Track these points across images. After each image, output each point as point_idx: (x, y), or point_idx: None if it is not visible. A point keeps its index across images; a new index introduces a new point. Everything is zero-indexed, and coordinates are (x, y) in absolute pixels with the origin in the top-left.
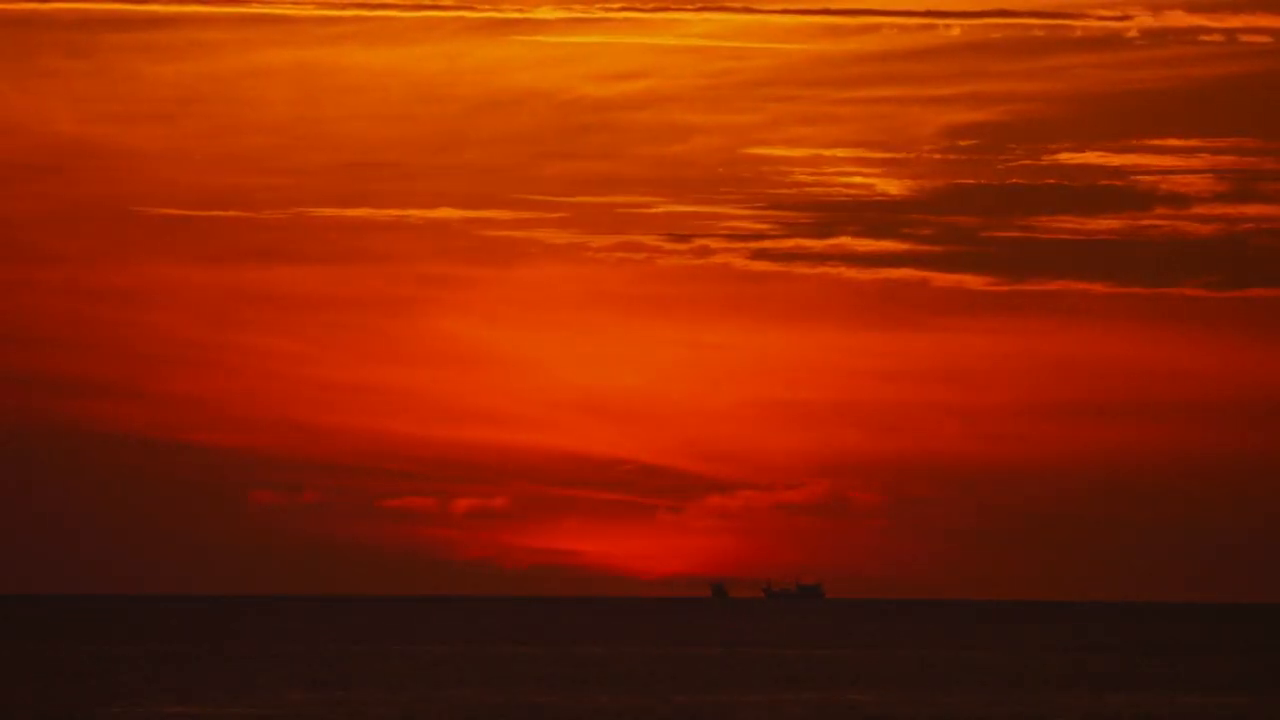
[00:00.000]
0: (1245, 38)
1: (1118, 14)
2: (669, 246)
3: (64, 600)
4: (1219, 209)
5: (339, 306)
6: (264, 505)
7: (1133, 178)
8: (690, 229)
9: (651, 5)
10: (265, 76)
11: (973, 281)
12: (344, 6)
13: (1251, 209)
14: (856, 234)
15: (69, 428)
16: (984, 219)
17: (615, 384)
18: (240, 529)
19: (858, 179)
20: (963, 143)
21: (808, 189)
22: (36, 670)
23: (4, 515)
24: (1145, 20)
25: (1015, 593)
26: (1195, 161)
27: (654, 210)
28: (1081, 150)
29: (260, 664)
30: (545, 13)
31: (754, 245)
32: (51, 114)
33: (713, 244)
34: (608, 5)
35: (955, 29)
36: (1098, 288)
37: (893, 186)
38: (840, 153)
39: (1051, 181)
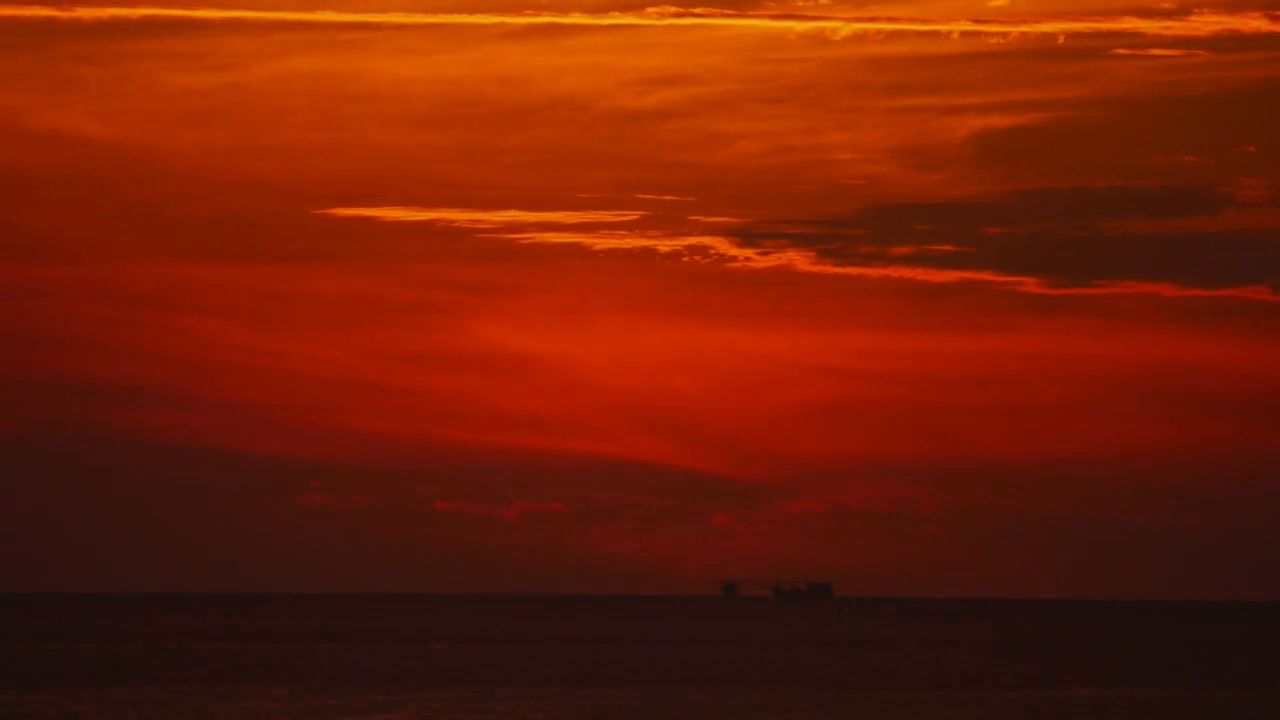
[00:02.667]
0: None
1: (1181, 16)
2: (714, 252)
3: (107, 599)
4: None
5: (381, 311)
6: (313, 507)
7: (1187, 181)
8: (733, 235)
9: (680, 11)
10: (293, 80)
11: (1029, 284)
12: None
13: None
14: (907, 239)
15: (119, 436)
16: (1040, 222)
17: (662, 389)
18: (290, 529)
19: (906, 182)
20: (1014, 146)
21: (854, 193)
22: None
23: (63, 520)
24: (1220, 20)
25: (1088, 592)
26: (1257, 164)
27: (694, 216)
28: (1139, 154)
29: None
30: (577, 18)
31: (801, 251)
32: (81, 122)
33: (757, 250)
34: (640, 13)
35: (1005, 32)
36: (1158, 289)
37: (942, 189)
38: (886, 156)
39: (1109, 184)
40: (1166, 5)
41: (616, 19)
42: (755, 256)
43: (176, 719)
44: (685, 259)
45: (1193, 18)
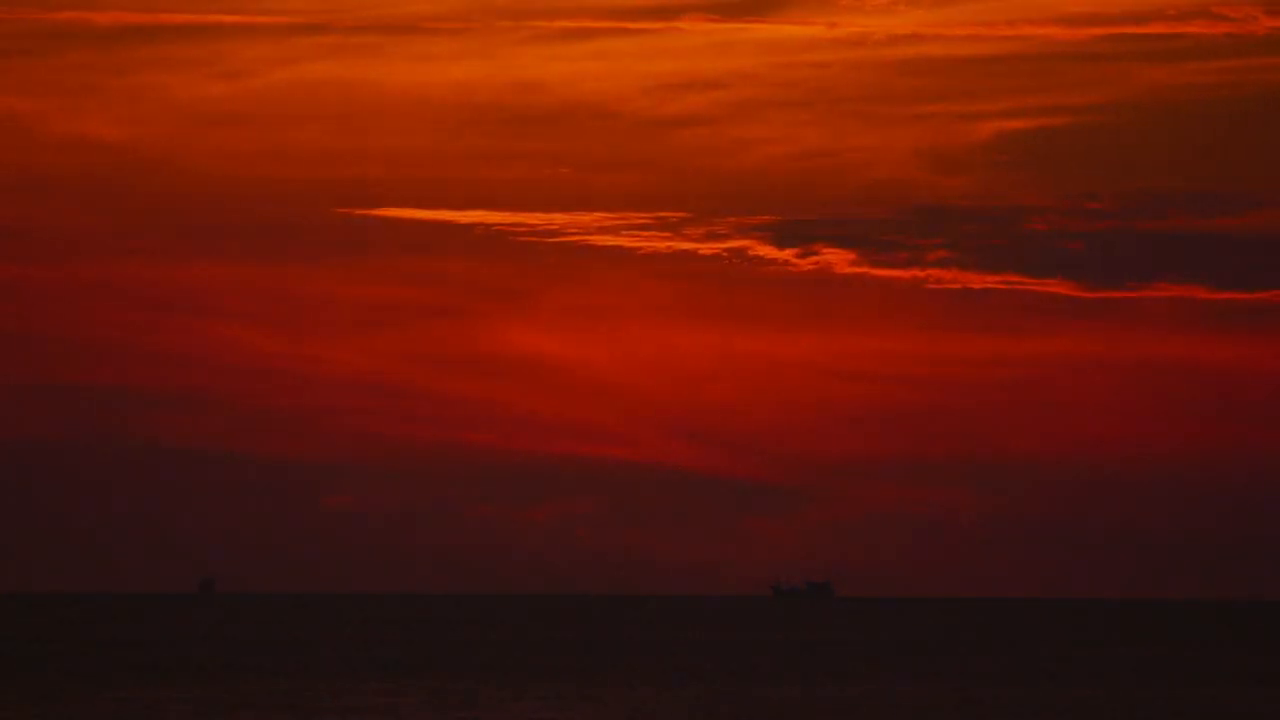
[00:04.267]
0: None
1: (1238, 13)
2: (751, 254)
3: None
4: None
5: (408, 314)
6: (338, 511)
7: (1222, 183)
8: (761, 239)
9: (714, 18)
10: (312, 85)
11: (1063, 287)
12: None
13: None
14: (941, 242)
15: (139, 440)
16: (1073, 225)
17: (694, 394)
18: (316, 532)
19: (938, 185)
20: (1047, 149)
21: (886, 196)
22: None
23: (96, 525)
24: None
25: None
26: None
27: (729, 219)
28: (1173, 156)
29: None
30: (607, 23)
31: (829, 255)
32: (99, 128)
33: (786, 254)
34: (660, 18)
35: (1035, 34)
36: (1193, 292)
37: (976, 192)
38: (917, 159)
39: (1143, 186)
40: (1196, 7)
41: (647, 25)
42: (794, 259)
43: (289, 712)
44: (722, 261)
45: (1222, 20)
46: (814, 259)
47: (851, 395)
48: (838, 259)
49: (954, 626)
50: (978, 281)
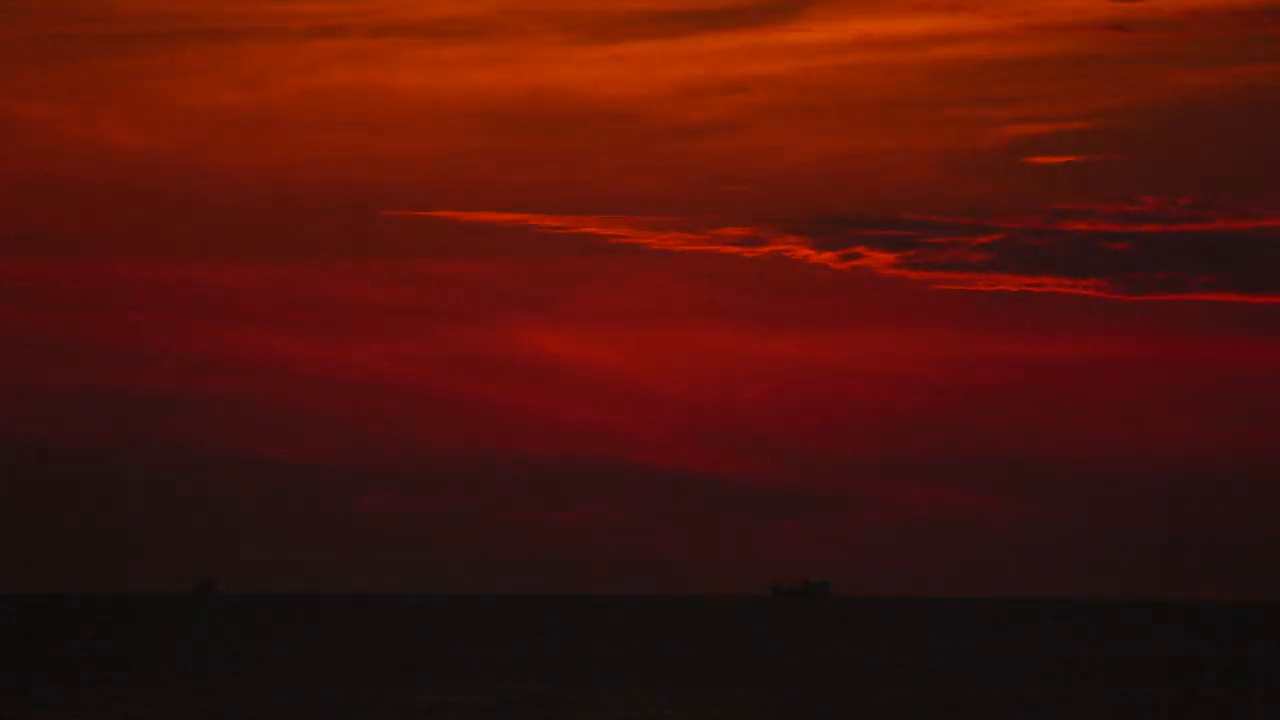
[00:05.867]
0: None
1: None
2: (791, 256)
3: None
4: None
5: (431, 319)
6: (371, 513)
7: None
8: (800, 243)
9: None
10: (329, 94)
11: (1091, 290)
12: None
13: None
14: (972, 243)
15: (168, 446)
16: (1109, 226)
17: (725, 396)
18: (346, 535)
19: (968, 189)
20: (1083, 151)
21: (918, 199)
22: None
23: (122, 528)
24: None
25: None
26: None
27: (756, 224)
28: (1209, 157)
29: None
30: (644, 29)
31: (862, 259)
32: (117, 134)
33: (825, 257)
34: (685, 27)
35: (1068, 36)
36: (1228, 296)
37: (1010, 194)
38: (949, 162)
39: (1179, 189)
40: (1234, 10)
41: (672, 28)
42: (834, 262)
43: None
44: (761, 264)
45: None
46: (854, 262)
47: (887, 397)
48: (878, 261)
49: (1003, 629)
50: (1015, 284)
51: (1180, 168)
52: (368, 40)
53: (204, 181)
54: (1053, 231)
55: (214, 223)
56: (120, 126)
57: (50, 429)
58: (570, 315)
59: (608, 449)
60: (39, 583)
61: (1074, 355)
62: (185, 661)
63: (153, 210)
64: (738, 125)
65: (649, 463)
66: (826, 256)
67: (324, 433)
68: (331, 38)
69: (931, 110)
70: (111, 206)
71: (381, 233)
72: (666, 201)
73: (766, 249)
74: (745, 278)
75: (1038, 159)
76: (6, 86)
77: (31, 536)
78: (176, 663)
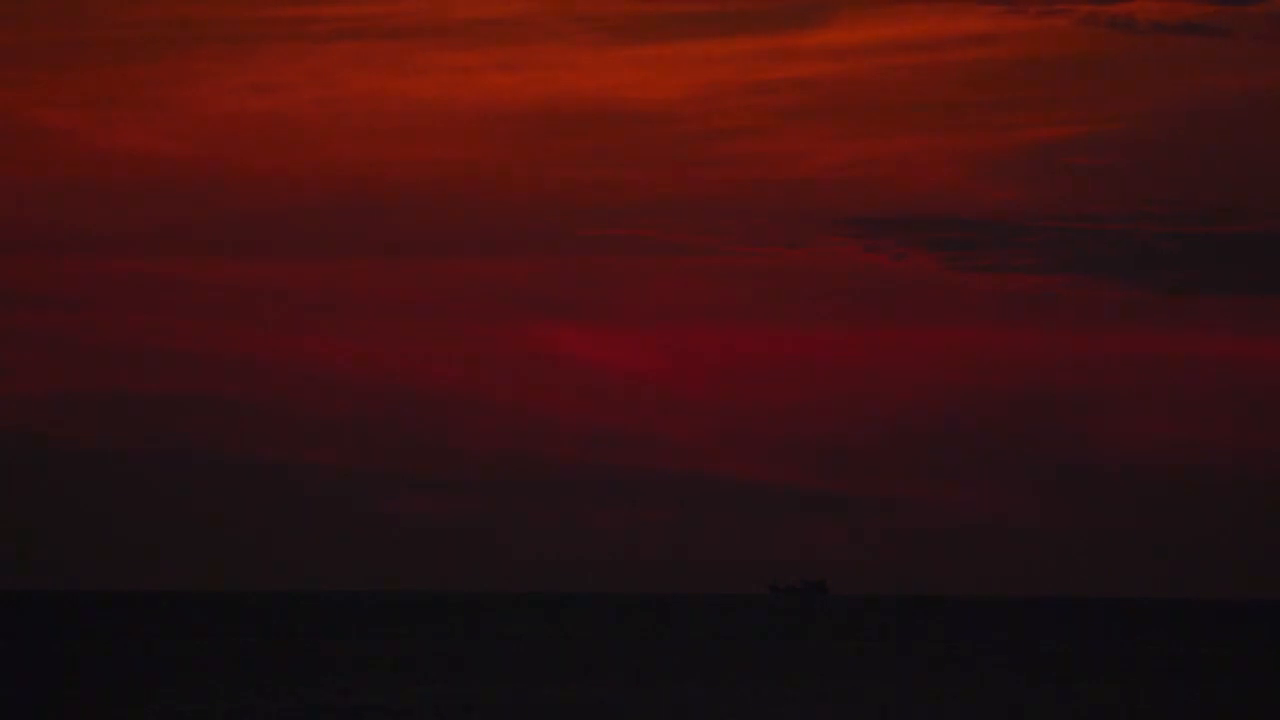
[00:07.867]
0: None
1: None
2: (822, 259)
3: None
4: None
5: (461, 322)
6: (396, 514)
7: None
8: (825, 244)
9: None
10: (348, 97)
11: (1139, 291)
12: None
13: None
14: (1017, 247)
15: (207, 451)
16: (1151, 226)
17: (756, 398)
18: (381, 535)
19: (1009, 191)
20: (1122, 154)
21: (958, 201)
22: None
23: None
24: None
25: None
26: None
27: (773, 225)
28: (1247, 158)
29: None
30: (669, 32)
31: (901, 261)
32: (142, 137)
33: (872, 259)
34: (707, 31)
35: (1099, 37)
36: (1268, 297)
37: (1048, 196)
38: (984, 164)
39: (1222, 190)
40: (1268, 12)
41: (697, 31)
42: (876, 263)
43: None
44: (806, 265)
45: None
46: (895, 263)
47: (927, 398)
48: (916, 263)
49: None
50: (1054, 284)
51: (1223, 167)
52: (387, 43)
53: (224, 184)
54: (1096, 232)
55: (230, 224)
56: (138, 131)
57: (87, 434)
58: (605, 319)
59: (638, 452)
60: (40, 582)
61: (1120, 354)
62: (206, 662)
63: (177, 211)
64: (767, 128)
65: (682, 469)
66: (866, 259)
67: (350, 435)
68: (350, 40)
69: (963, 113)
70: (131, 210)
71: (407, 233)
72: (696, 204)
73: (802, 250)
74: (782, 277)
75: (1080, 159)
76: (27, 96)
77: (72, 535)
78: (198, 664)
